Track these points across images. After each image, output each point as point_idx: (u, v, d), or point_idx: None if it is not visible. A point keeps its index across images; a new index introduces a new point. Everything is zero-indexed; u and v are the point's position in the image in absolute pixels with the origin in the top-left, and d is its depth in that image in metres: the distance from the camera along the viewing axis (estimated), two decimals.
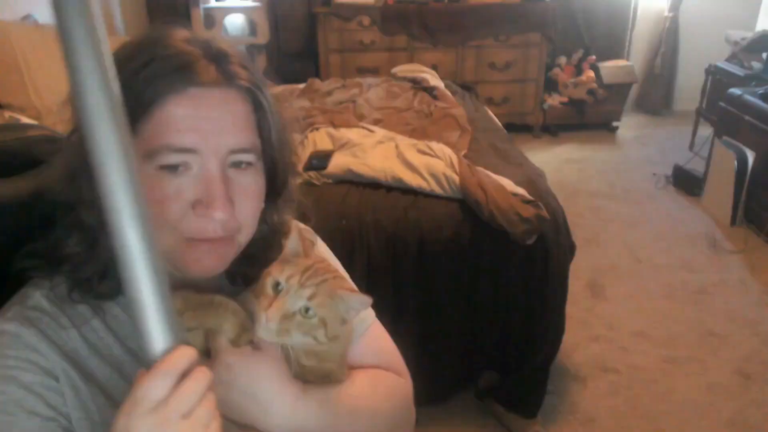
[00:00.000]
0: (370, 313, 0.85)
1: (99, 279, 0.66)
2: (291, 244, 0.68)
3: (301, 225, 0.86)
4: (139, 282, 0.49)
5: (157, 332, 0.49)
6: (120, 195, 0.47)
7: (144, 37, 0.67)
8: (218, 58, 0.65)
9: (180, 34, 0.66)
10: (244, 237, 0.69)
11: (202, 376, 0.50)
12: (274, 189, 0.73)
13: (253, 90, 0.67)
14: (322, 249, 0.89)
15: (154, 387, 0.48)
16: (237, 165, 0.65)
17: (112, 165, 0.47)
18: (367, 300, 0.65)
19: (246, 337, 0.63)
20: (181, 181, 0.63)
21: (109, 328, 0.68)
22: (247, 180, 0.67)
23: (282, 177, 0.73)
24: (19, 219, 0.70)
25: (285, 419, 0.63)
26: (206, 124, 0.63)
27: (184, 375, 0.49)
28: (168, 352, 0.49)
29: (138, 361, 0.67)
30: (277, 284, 0.63)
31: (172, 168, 0.62)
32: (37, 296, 0.67)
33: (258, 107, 0.67)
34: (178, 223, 0.63)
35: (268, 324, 0.60)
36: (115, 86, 0.47)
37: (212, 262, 0.67)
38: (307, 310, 0.61)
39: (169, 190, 0.62)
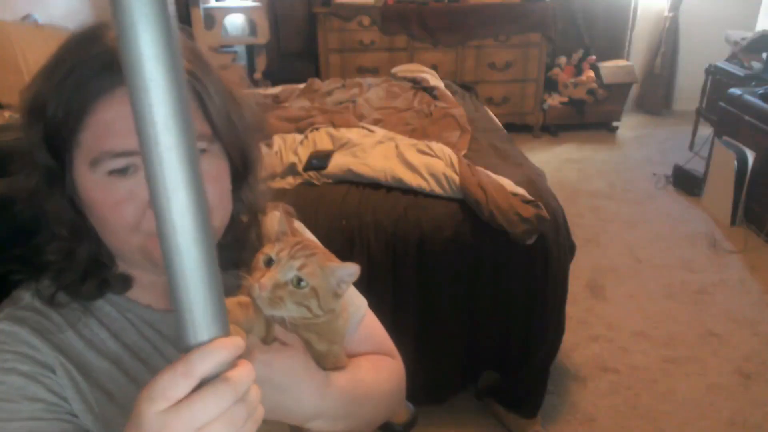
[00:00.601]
0: (363, 303, 0.88)
1: (81, 281, 0.67)
2: (279, 225, 0.69)
3: (288, 207, 0.86)
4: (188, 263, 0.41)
5: (203, 323, 0.42)
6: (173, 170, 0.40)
7: (76, 37, 0.64)
8: None
9: (112, 29, 0.62)
10: (218, 220, 0.68)
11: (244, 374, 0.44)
12: (242, 167, 0.72)
13: (190, 80, 0.63)
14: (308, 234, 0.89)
15: (175, 385, 0.43)
16: None
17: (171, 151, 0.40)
18: (355, 269, 0.67)
19: (272, 334, 0.64)
20: (132, 183, 0.62)
21: (102, 323, 0.68)
22: (203, 167, 0.65)
23: (245, 155, 0.71)
24: (5, 220, 0.70)
25: (316, 408, 0.65)
26: None
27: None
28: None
29: (133, 355, 0.68)
30: (269, 260, 0.64)
31: (122, 171, 0.61)
32: (27, 297, 0.67)
33: (198, 95, 0.64)
34: (138, 223, 0.63)
35: (261, 293, 0.61)
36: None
37: None
38: (299, 281, 0.63)
39: (123, 193, 0.62)
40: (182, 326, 0.42)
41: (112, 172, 0.61)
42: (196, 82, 0.64)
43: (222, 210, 0.69)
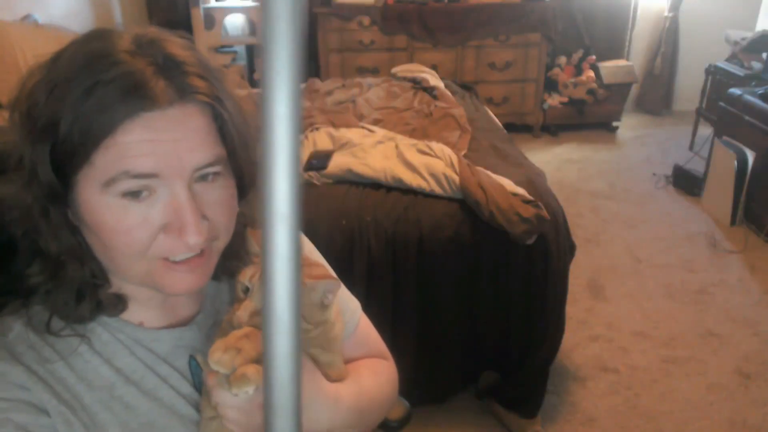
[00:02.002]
0: (357, 307, 0.88)
1: (76, 303, 0.64)
2: (252, 247, 0.68)
3: None
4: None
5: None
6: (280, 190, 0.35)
7: (84, 50, 0.60)
8: (170, 69, 0.60)
9: (123, 42, 0.60)
10: (222, 243, 0.67)
11: None
12: (244, 185, 0.71)
13: (211, 103, 0.62)
14: (309, 247, 0.87)
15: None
16: (204, 178, 0.63)
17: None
18: (334, 284, 0.65)
19: None
20: (147, 207, 0.60)
21: (94, 350, 0.66)
22: (217, 191, 0.64)
23: (250, 174, 0.70)
24: None
25: (330, 423, 0.66)
26: (164, 147, 0.59)
27: None
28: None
29: (126, 379, 0.66)
30: (246, 288, 0.63)
31: (135, 194, 0.59)
32: (18, 327, 0.64)
33: (218, 117, 0.63)
34: (148, 248, 0.61)
35: (240, 325, 0.60)
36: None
37: (193, 281, 0.65)
38: None
39: (136, 218, 0.60)
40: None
41: (126, 195, 0.59)
42: (218, 104, 0.62)
43: (228, 232, 0.67)
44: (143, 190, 0.59)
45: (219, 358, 0.59)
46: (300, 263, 0.38)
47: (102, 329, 0.67)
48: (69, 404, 0.63)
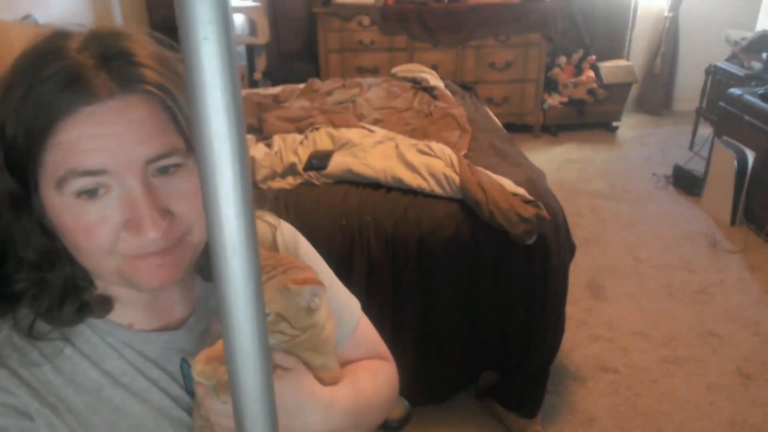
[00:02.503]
0: (357, 307, 0.87)
1: (59, 306, 0.63)
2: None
3: (285, 227, 0.84)
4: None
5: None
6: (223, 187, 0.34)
7: (32, 50, 0.59)
8: (112, 60, 0.58)
9: (75, 40, 0.58)
10: (198, 235, 0.64)
11: None
12: None
13: (158, 93, 0.59)
14: (306, 248, 0.85)
15: None
16: (164, 171, 0.60)
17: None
18: (320, 288, 0.63)
19: (272, 362, 0.63)
20: (103, 205, 0.58)
21: (83, 353, 0.65)
22: (179, 183, 0.61)
23: None
24: None
25: (324, 427, 0.65)
26: (108, 141, 0.57)
27: None
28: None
29: (115, 382, 0.66)
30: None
31: (91, 192, 0.57)
32: (5, 330, 0.64)
33: (167, 107, 0.60)
34: (113, 246, 0.60)
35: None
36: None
37: (166, 275, 0.63)
38: None
39: (94, 217, 0.58)
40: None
41: (81, 194, 0.57)
42: (166, 96, 0.59)
43: (201, 225, 0.64)
44: (99, 188, 0.58)
45: (201, 370, 0.58)
46: (260, 294, 0.36)
47: (91, 332, 0.67)
48: (54, 407, 0.62)
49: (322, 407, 0.65)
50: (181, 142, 0.61)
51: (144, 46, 0.61)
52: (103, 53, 0.58)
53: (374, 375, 0.81)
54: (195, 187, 0.63)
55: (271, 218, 0.81)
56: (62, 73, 0.56)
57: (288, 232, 0.84)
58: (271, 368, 0.57)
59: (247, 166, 0.34)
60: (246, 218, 0.34)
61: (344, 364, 0.80)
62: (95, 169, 0.57)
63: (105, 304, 0.67)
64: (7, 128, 0.56)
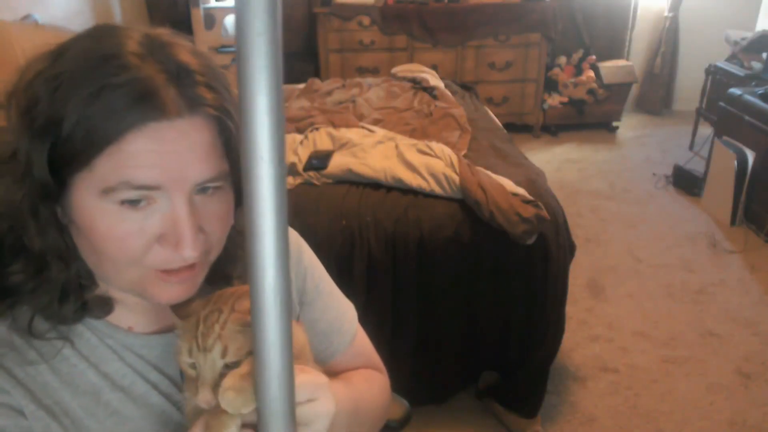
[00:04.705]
0: (354, 318, 0.86)
1: (60, 303, 0.63)
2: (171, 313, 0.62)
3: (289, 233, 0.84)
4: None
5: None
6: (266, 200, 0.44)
7: (91, 48, 0.58)
8: (181, 78, 0.58)
9: (132, 42, 0.58)
10: (214, 255, 0.65)
11: None
12: (240, 195, 0.67)
13: (219, 116, 0.60)
14: (308, 254, 0.84)
15: None
16: (204, 191, 0.61)
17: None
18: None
19: None
20: (144, 217, 0.58)
21: (81, 354, 0.65)
22: (216, 205, 0.62)
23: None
24: None
25: (329, 426, 0.63)
26: (169, 159, 0.57)
27: None
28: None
29: (113, 385, 0.65)
30: (191, 364, 0.56)
31: (134, 202, 0.57)
32: (3, 330, 0.63)
33: (224, 130, 0.61)
34: (142, 257, 0.60)
35: (212, 405, 0.54)
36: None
37: (182, 292, 0.63)
38: (232, 364, 0.54)
39: (132, 227, 0.58)
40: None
41: (124, 202, 0.57)
42: (225, 117, 0.60)
43: (221, 244, 0.66)
44: (142, 200, 0.58)
45: (232, 399, 0.51)
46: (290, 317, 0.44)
47: (90, 334, 0.66)
48: (49, 409, 0.62)
49: (349, 415, 0.64)
50: (227, 167, 0.62)
51: (198, 60, 0.61)
52: (167, 68, 0.58)
53: (370, 384, 0.81)
54: (228, 210, 0.64)
55: None
56: (135, 84, 0.55)
57: (291, 237, 0.83)
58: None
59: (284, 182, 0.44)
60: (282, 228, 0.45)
61: (341, 372, 0.80)
62: (150, 185, 0.57)
63: (105, 305, 0.66)
64: (64, 125, 0.55)
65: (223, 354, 0.54)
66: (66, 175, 0.58)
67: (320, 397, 0.54)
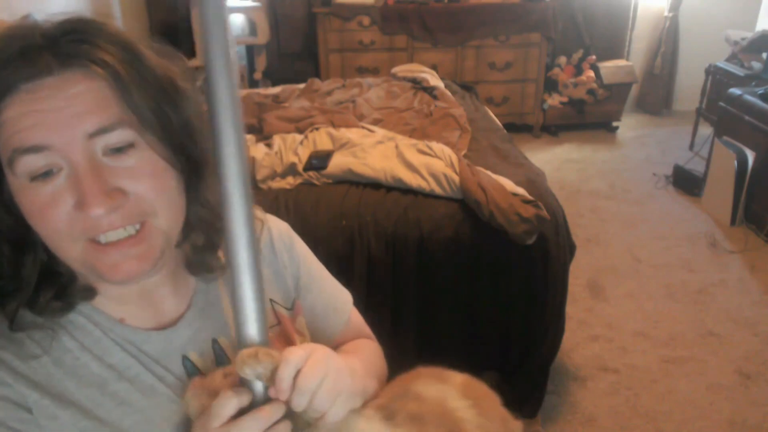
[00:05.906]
0: (348, 299, 0.92)
1: (36, 294, 0.63)
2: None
3: (279, 223, 0.86)
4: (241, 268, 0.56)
5: (252, 321, 0.57)
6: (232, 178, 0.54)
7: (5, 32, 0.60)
8: (50, 39, 0.58)
9: (48, 25, 0.60)
10: (165, 221, 0.63)
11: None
12: (187, 166, 0.65)
13: (98, 64, 0.58)
14: (299, 244, 0.87)
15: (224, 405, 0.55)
16: (117, 150, 0.59)
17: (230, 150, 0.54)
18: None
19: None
20: (53, 186, 0.57)
21: (84, 346, 0.65)
22: (133, 161, 0.60)
23: (192, 148, 0.65)
24: None
25: (353, 388, 0.66)
26: (47, 117, 0.56)
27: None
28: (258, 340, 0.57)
29: (119, 376, 0.65)
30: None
31: (45, 174, 0.57)
32: (3, 327, 0.63)
33: (116, 79, 0.59)
34: (71, 228, 0.58)
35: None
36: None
37: (133, 266, 0.61)
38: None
39: (45, 198, 0.57)
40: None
41: (36, 178, 0.57)
42: (105, 67, 0.59)
43: (167, 209, 0.63)
44: (52, 169, 0.57)
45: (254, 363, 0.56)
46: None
47: (93, 326, 0.66)
48: (55, 398, 0.61)
49: (349, 372, 0.64)
50: (133, 118, 0.60)
51: (110, 32, 0.60)
52: (44, 32, 0.58)
53: (370, 350, 0.88)
54: (153, 168, 0.62)
55: (258, 213, 0.81)
56: (10, 52, 0.57)
57: (282, 227, 0.86)
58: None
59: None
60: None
61: (339, 345, 0.86)
62: (37, 145, 0.56)
63: (86, 292, 0.66)
64: None
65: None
66: None
67: (329, 374, 0.59)
